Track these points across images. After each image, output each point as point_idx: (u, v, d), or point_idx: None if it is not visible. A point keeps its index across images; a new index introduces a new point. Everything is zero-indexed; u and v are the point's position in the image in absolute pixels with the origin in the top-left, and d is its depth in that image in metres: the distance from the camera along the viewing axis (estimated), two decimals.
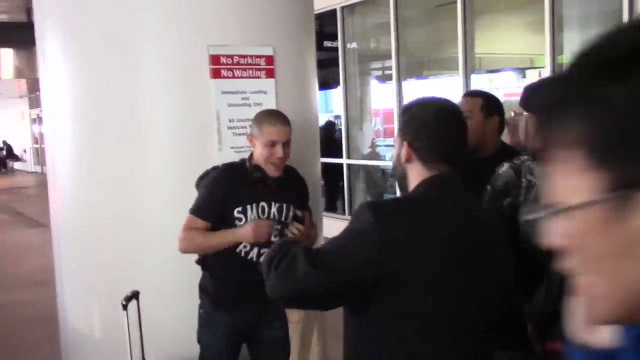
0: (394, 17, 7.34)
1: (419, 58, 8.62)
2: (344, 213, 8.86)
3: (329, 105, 11.05)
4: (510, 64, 9.19)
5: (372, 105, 9.18)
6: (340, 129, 9.00)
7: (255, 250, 2.63)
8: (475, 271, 1.58)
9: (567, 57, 5.86)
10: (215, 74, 2.97)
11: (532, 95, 2.13)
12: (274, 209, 2.65)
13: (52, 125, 3.25)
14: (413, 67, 8.75)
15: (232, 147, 3.03)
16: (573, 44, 5.88)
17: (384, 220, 1.53)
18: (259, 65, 3.07)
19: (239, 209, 2.58)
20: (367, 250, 1.51)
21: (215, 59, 2.96)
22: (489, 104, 2.75)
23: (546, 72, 5.77)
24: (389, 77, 8.03)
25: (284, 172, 2.65)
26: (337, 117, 9.58)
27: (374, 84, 9.26)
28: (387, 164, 8.28)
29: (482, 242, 1.62)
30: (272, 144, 2.55)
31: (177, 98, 2.97)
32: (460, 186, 1.69)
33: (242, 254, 2.62)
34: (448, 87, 7.17)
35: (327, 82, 9.16)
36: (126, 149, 2.99)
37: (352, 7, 8.23)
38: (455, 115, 1.73)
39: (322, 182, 9.24)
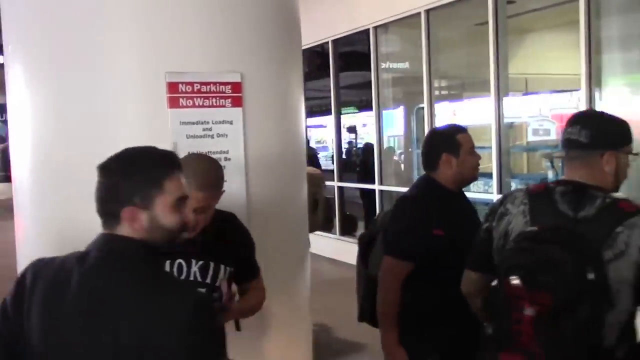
0: (425, 38, 7.00)
1: (455, 80, 8.25)
2: None
3: (391, 127, 10.40)
4: (559, 85, 8.69)
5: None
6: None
7: None
8: None
9: (606, 80, 5.39)
10: (173, 103, 2.73)
11: None
12: (194, 268, 2.19)
13: (16, 155, 3.09)
14: (452, 89, 8.38)
15: None
16: (613, 66, 5.41)
17: None
18: (224, 93, 2.82)
19: None
20: None
21: (173, 87, 2.73)
22: None
23: (582, 95, 5.31)
24: (442, 98, 7.65)
25: (216, 222, 2.20)
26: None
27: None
28: None
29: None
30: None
31: (133, 129, 2.75)
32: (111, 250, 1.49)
33: None
34: (481, 110, 6.75)
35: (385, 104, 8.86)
36: (83, 185, 2.78)
37: (385, 26, 7.93)
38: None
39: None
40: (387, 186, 8.31)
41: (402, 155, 9.55)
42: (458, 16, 7.24)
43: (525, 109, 7.61)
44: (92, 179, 2.71)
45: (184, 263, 2.17)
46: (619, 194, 1.97)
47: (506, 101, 6.26)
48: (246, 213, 2.89)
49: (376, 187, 8.33)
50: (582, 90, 5.27)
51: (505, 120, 6.28)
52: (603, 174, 1.93)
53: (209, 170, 2.15)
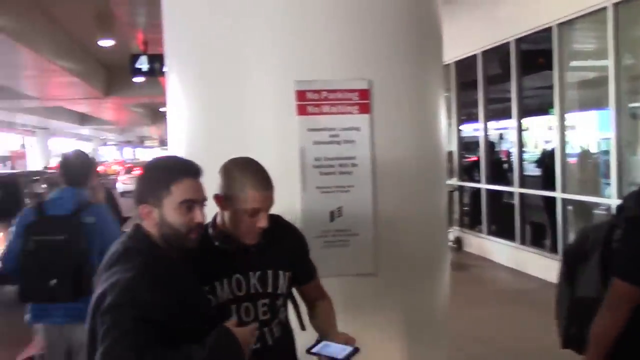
0: (613, 34, 6.43)
1: None
2: (554, 252, 8.04)
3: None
4: None
5: None
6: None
7: None
8: None
9: None
10: (301, 110, 2.83)
11: None
12: (253, 280, 2.14)
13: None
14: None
15: (318, 187, 2.86)
16: None
17: None
18: (351, 100, 2.86)
19: (206, 288, 2.09)
20: None
21: (301, 95, 2.83)
22: None
23: None
24: None
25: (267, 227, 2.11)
26: None
27: None
28: (608, 201, 7.24)
29: None
30: (255, 213, 2.05)
31: (264, 134, 2.90)
32: None
33: None
34: None
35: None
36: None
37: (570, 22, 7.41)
38: None
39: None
40: (571, 194, 7.77)
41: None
42: None
43: None
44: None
45: (241, 277, 2.13)
46: None
47: None
48: (372, 219, 2.91)
49: (558, 194, 7.83)
50: None
51: None
52: None
53: (265, 171, 2.12)
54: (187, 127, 3.12)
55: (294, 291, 2.35)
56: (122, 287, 1.76)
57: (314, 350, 2.08)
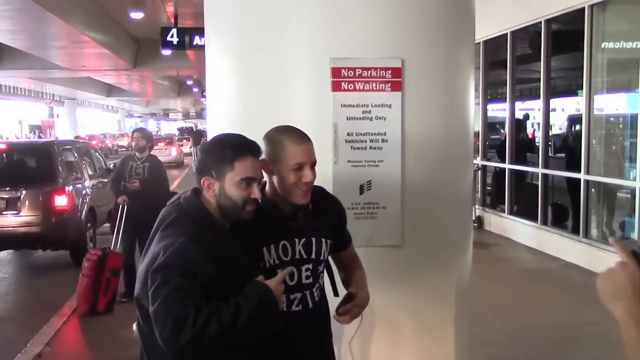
0: None
1: None
2: (575, 233, 8.09)
3: None
4: None
5: None
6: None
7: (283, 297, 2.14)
8: None
9: None
10: (336, 86, 2.94)
11: None
12: (298, 247, 2.26)
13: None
14: None
15: (349, 161, 2.98)
16: None
17: None
18: (384, 77, 2.97)
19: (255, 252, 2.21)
20: None
21: (336, 72, 2.94)
22: None
23: None
24: None
25: (312, 198, 2.26)
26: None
27: None
28: (632, 184, 7.28)
29: None
30: (300, 167, 2.18)
31: (299, 109, 3.01)
32: None
33: None
34: None
35: None
36: None
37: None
38: None
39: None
40: (595, 176, 7.81)
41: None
42: None
43: None
44: None
45: (287, 243, 2.25)
46: None
47: None
48: (400, 194, 3.03)
49: (582, 176, 7.87)
50: None
51: None
52: None
53: (302, 130, 2.29)
54: (226, 102, 3.25)
55: (330, 259, 2.49)
56: (173, 250, 1.91)
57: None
